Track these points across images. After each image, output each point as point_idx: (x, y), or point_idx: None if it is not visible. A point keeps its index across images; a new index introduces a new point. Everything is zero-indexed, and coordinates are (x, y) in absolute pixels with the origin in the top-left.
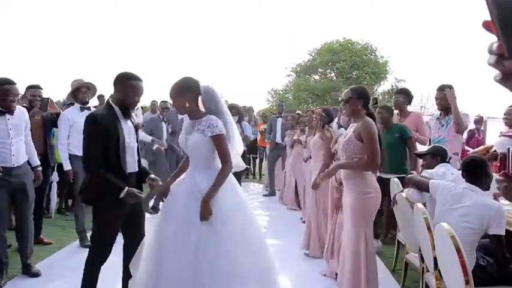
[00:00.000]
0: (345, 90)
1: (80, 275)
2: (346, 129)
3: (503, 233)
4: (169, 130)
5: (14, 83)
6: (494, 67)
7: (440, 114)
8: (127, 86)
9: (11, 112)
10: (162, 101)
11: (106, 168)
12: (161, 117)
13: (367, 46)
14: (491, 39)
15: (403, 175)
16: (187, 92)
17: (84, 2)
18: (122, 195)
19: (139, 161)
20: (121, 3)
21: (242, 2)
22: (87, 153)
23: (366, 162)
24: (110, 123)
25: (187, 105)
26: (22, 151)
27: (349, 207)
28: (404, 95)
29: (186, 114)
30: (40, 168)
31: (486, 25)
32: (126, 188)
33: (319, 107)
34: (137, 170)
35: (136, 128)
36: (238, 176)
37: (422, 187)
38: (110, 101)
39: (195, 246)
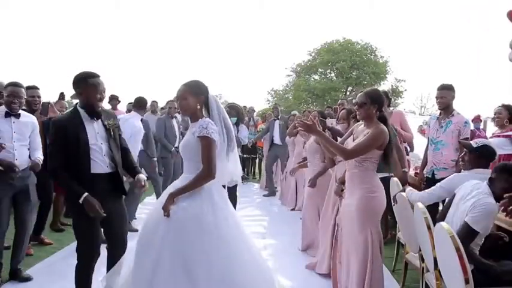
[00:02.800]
0: (359, 93)
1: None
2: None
3: (476, 228)
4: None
5: (20, 86)
6: None
7: (440, 113)
8: (86, 86)
9: (17, 115)
10: (170, 101)
11: (68, 172)
12: (170, 116)
13: (367, 46)
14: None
15: (389, 174)
16: (200, 94)
17: (84, 2)
18: (80, 200)
19: (113, 161)
20: (121, 3)
21: (242, 2)
22: (49, 158)
23: (343, 149)
24: (70, 127)
25: (198, 106)
26: (25, 156)
27: (355, 208)
28: (384, 97)
29: (189, 116)
30: (41, 158)
31: (511, 15)
32: (85, 194)
33: (315, 110)
34: (109, 171)
35: (107, 127)
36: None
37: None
38: (77, 105)
39: (151, 259)
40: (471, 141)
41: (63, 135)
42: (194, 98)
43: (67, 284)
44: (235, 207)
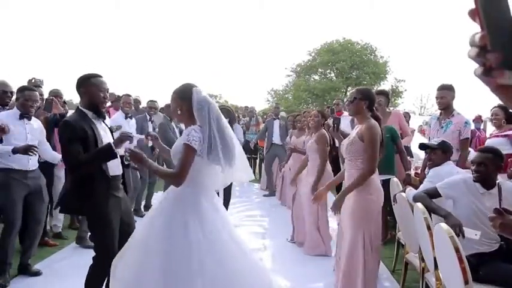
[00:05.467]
0: (351, 90)
1: (80, 275)
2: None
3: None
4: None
5: (35, 90)
6: (475, 60)
7: (441, 114)
8: (89, 86)
9: (29, 117)
10: (166, 104)
11: (88, 174)
12: (169, 118)
13: (366, 46)
14: (475, 30)
15: (392, 176)
16: (181, 98)
17: (85, 2)
18: (116, 149)
19: (122, 163)
20: (121, 3)
21: (242, 2)
22: (69, 156)
23: (363, 174)
24: (85, 127)
25: (178, 112)
26: (36, 156)
27: (351, 209)
28: (385, 97)
29: (182, 122)
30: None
31: (471, 14)
32: (111, 143)
33: (315, 109)
34: (122, 172)
35: (111, 130)
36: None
37: (431, 196)
38: (80, 107)
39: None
40: (430, 143)
41: (82, 136)
42: (175, 104)
43: (67, 283)
44: (228, 203)
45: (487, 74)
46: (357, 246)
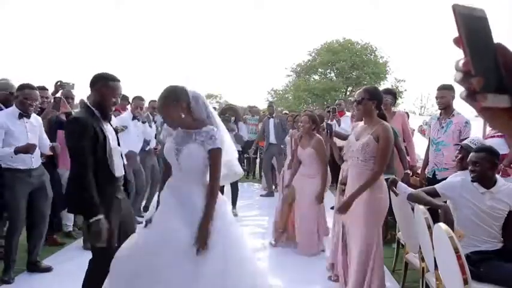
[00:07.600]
0: (358, 90)
1: (80, 275)
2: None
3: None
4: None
5: (35, 88)
6: (461, 84)
7: (441, 114)
8: (105, 87)
9: (29, 116)
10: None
11: (95, 173)
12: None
13: (367, 46)
14: (460, 55)
15: (391, 176)
16: (179, 101)
17: (85, 2)
18: (91, 220)
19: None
20: (121, 3)
21: (242, 2)
22: (79, 152)
23: (375, 175)
24: (95, 125)
25: (182, 116)
26: (38, 154)
27: (362, 208)
28: (392, 96)
29: (180, 127)
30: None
31: (456, 42)
32: (100, 217)
33: (305, 113)
34: (124, 173)
35: (116, 131)
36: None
37: (430, 195)
38: (88, 103)
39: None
40: (467, 143)
41: (93, 134)
42: (175, 109)
43: (67, 283)
44: (236, 199)
45: (471, 97)
46: (372, 244)
